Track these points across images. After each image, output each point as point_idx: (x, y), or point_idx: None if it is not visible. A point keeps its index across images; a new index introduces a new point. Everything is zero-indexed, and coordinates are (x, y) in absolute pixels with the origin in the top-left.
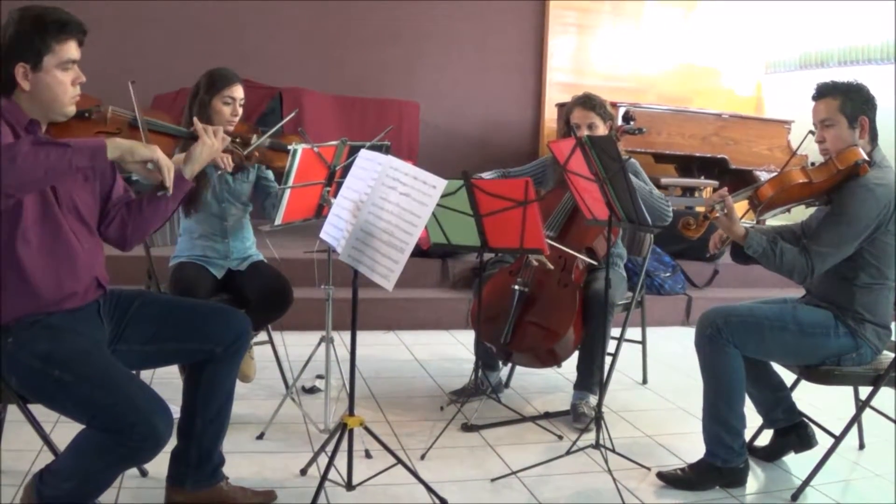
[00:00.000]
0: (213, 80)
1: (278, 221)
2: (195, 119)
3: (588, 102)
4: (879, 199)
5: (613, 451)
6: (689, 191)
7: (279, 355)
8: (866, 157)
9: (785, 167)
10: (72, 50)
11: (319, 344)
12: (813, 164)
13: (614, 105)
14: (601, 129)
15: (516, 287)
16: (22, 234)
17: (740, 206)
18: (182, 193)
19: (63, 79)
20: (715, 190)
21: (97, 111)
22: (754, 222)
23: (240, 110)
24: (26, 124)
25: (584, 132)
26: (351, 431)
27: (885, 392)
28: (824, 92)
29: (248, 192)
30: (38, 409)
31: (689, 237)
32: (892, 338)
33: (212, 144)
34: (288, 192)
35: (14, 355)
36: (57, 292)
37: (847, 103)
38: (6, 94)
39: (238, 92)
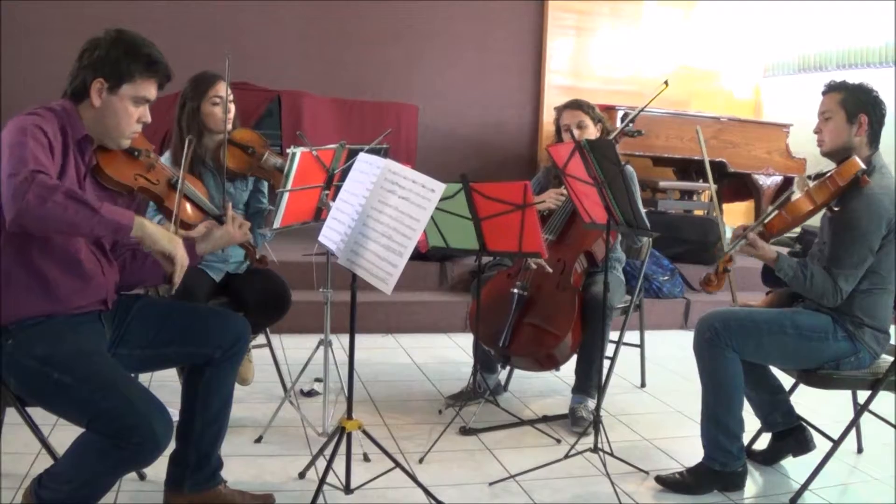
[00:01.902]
0: (196, 84)
1: (276, 225)
2: (230, 207)
3: (575, 103)
4: (888, 209)
5: (612, 454)
6: (687, 194)
7: (277, 358)
8: (864, 167)
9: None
10: (151, 89)
11: (318, 347)
12: (809, 177)
13: (613, 108)
14: (591, 129)
15: (515, 290)
16: (43, 241)
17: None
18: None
19: (132, 111)
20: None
21: (146, 156)
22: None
23: (231, 107)
24: (80, 138)
25: (575, 131)
26: (349, 435)
27: (883, 396)
28: (832, 87)
29: (246, 199)
30: (36, 412)
31: (710, 292)
32: (892, 342)
33: (233, 234)
34: (286, 195)
35: (13, 356)
36: (64, 302)
37: (850, 98)
38: (73, 101)
39: (223, 90)
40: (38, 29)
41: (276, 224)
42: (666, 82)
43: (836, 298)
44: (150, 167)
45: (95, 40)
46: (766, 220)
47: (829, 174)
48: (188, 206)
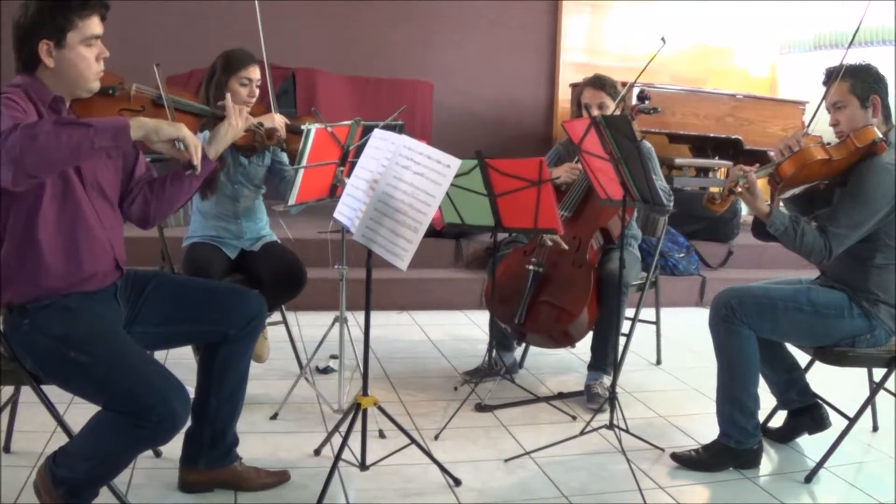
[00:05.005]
0: (230, 61)
1: (292, 201)
2: (228, 96)
3: (598, 82)
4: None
5: (627, 431)
6: (703, 171)
7: (293, 335)
8: (882, 136)
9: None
10: (95, 25)
11: (333, 324)
12: (828, 144)
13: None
14: (612, 109)
15: (531, 267)
16: (42, 213)
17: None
18: (206, 173)
19: (87, 54)
20: (729, 171)
21: (121, 88)
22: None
23: (256, 91)
24: (50, 101)
25: (594, 112)
26: (365, 411)
27: None
28: (836, 75)
29: (262, 175)
30: (51, 391)
31: (714, 211)
32: None
33: (236, 124)
34: (301, 172)
35: (30, 336)
36: (76, 274)
37: (858, 84)
38: (29, 72)
39: (255, 73)
40: None
41: (291, 201)
42: (663, 39)
43: (822, 255)
44: (128, 97)
45: (23, 6)
46: (779, 163)
47: (847, 136)
48: (182, 116)
